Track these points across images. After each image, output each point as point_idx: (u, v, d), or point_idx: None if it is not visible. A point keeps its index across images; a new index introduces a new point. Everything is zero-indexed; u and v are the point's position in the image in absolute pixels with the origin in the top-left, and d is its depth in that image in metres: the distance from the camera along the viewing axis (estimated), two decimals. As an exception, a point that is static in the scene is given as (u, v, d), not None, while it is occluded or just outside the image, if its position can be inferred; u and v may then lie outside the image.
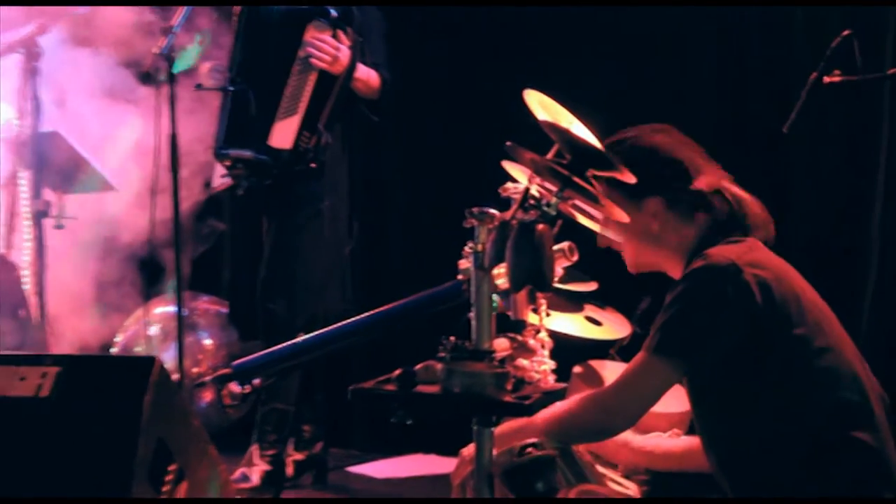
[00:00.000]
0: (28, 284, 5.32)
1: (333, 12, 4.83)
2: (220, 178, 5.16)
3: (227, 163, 4.99)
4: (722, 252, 3.10)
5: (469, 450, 3.29)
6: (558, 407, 3.16)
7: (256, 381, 4.30)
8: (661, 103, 5.50)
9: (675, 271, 3.25)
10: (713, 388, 3.14)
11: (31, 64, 5.14)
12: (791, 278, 3.14)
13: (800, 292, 3.10)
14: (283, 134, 4.82)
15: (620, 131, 3.30)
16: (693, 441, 3.42)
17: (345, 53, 4.84)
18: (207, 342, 5.45)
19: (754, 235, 3.20)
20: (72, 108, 5.48)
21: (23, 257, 5.40)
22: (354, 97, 4.97)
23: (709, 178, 3.22)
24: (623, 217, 3.11)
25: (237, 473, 5.02)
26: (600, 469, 3.50)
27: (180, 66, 4.77)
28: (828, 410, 3.02)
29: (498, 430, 3.08)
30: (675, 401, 3.48)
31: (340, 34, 4.84)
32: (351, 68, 4.84)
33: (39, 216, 5.18)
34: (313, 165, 4.86)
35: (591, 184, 3.36)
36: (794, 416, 3.03)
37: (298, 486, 5.13)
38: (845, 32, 4.33)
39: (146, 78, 4.56)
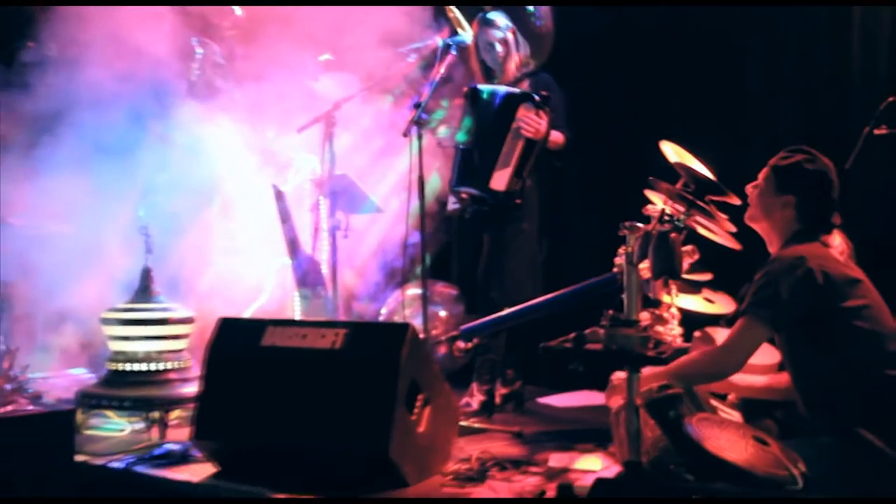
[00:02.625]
0: (326, 274, 5.42)
1: (537, 97, 4.82)
2: (452, 204, 5.20)
3: (459, 196, 5.05)
4: (798, 249, 3.06)
5: (616, 376, 3.32)
6: (686, 357, 3.12)
7: (476, 340, 4.34)
8: (755, 152, 5.33)
9: (772, 246, 3.19)
10: (796, 341, 3.06)
11: (329, 130, 5.24)
12: (849, 270, 3.06)
13: (856, 279, 3.02)
14: (500, 180, 4.83)
15: (798, 152, 3.21)
16: (772, 379, 3.35)
17: (544, 126, 4.81)
18: (442, 314, 5.45)
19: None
20: (356, 157, 5.60)
21: (323, 257, 5.51)
22: (546, 150, 4.94)
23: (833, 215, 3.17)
24: (768, 193, 3.16)
25: (462, 402, 5.04)
26: (713, 402, 3.42)
27: (428, 127, 4.83)
28: (872, 356, 2.94)
29: (644, 374, 3.05)
30: (767, 355, 3.39)
31: (541, 112, 4.82)
32: (547, 135, 4.83)
33: (333, 230, 5.27)
34: (518, 202, 4.87)
35: (708, 205, 3.30)
36: (848, 361, 2.95)
37: (504, 411, 5.10)
38: (891, 98, 4.21)
39: (405, 134, 4.60)
